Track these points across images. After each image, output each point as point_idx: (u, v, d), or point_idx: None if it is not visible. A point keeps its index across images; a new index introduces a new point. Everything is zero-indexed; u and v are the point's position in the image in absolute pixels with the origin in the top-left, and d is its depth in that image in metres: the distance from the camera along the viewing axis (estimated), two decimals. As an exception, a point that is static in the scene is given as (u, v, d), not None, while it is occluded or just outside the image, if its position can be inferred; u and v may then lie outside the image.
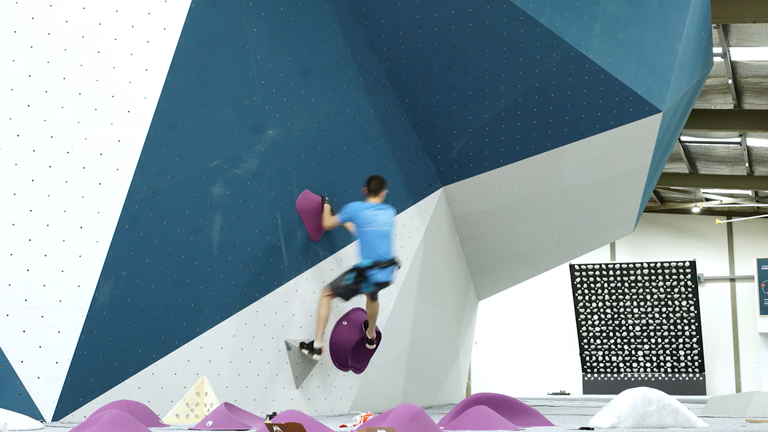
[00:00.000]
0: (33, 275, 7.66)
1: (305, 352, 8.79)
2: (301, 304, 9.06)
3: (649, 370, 23.98)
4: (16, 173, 7.79)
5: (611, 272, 24.68)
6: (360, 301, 9.71)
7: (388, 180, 9.07)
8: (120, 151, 7.97)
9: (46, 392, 7.47)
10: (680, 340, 24.47)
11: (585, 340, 24.45)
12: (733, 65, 15.61)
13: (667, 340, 24.41)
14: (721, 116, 18.09)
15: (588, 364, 24.54)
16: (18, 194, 7.76)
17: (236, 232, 8.54)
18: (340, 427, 7.04)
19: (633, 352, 24.35)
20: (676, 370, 24.32)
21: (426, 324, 11.60)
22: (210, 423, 6.51)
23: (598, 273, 25.03)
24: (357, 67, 9.72)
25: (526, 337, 26.38)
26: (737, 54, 15.12)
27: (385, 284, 8.79)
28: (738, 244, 26.91)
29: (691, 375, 24.26)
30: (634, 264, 24.92)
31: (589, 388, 24.43)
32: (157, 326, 7.98)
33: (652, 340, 24.37)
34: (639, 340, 24.41)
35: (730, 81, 16.25)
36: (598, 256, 25.97)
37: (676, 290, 24.70)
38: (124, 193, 7.88)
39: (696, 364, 24.38)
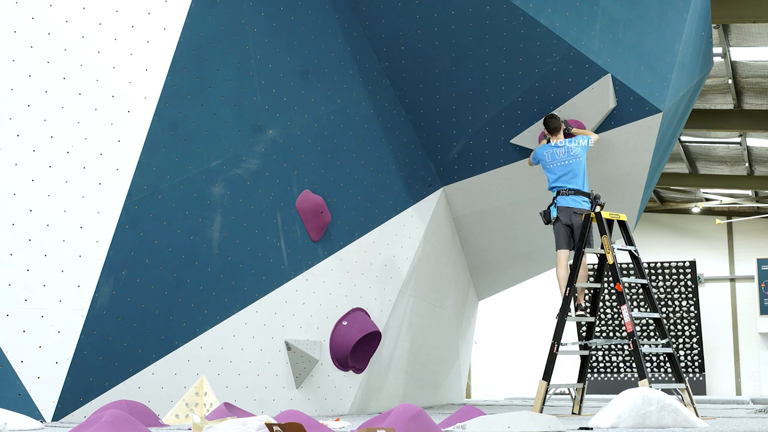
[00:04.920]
0: (33, 275, 7.66)
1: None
2: (301, 304, 9.06)
3: (649, 370, 23.96)
4: (16, 173, 7.79)
5: (611, 272, 24.64)
6: (359, 300, 9.72)
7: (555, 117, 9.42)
8: (120, 151, 7.97)
9: (46, 392, 7.47)
10: (680, 340, 24.46)
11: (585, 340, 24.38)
12: (733, 65, 15.61)
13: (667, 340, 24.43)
14: (721, 116, 18.08)
15: (588, 364, 24.54)
16: (18, 194, 7.76)
17: (236, 232, 8.54)
18: (335, 420, 7.07)
19: (646, 351, 24.28)
20: (676, 370, 24.33)
21: (426, 324, 11.60)
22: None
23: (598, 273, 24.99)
24: (357, 67, 9.72)
25: (526, 337, 26.36)
26: (737, 54, 15.11)
27: (575, 212, 8.99)
28: (738, 244, 26.89)
29: (691, 375, 24.25)
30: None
31: (589, 388, 24.39)
32: (157, 326, 7.98)
33: (652, 340, 24.36)
34: (639, 340, 24.36)
35: (730, 81, 16.24)
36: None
37: (676, 290, 24.69)
38: (124, 193, 7.88)
39: (696, 364, 24.38)
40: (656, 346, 8.85)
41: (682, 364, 24.31)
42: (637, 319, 9.04)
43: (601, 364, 24.60)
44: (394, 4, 9.48)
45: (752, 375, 26.15)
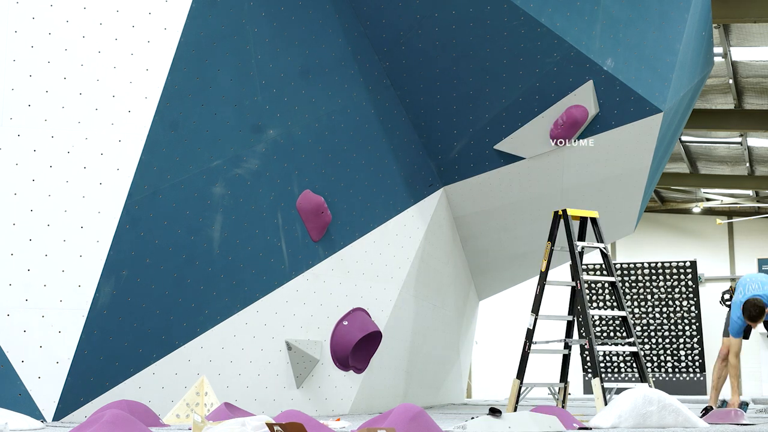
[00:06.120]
0: (34, 275, 7.66)
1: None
2: (301, 304, 9.06)
3: (649, 369, 23.98)
4: (16, 173, 7.79)
5: (598, 272, 24.64)
6: (360, 300, 9.72)
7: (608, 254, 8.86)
8: (121, 151, 7.97)
9: (46, 392, 7.47)
10: (681, 340, 24.44)
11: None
12: (734, 65, 15.60)
13: (667, 340, 24.40)
14: (722, 116, 18.07)
15: (588, 364, 24.54)
16: (19, 194, 7.76)
17: (237, 232, 8.54)
18: (336, 420, 7.07)
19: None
20: (676, 370, 24.31)
21: (427, 324, 11.60)
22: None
23: (598, 273, 25.02)
24: (358, 67, 9.72)
25: (526, 337, 26.33)
26: (738, 54, 15.11)
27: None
28: (739, 244, 26.88)
29: (691, 375, 24.24)
30: (634, 264, 24.90)
31: (589, 388, 24.41)
32: (158, 326, 7.98)
33: (653, 340, 24.37)
34: (639, 340, 24.40)
35: (730, 81, 16.23)
36: (599, 256, 25.93)
37: (676, 290, 24.68)
38: (124, 192, 7.88)
39: (697, 364, 24.36)
40: (657, 346, 8.80)
41: (683, 364, 24.31)
42: (638, 318, 8.97)
43: (602, 365, 24.61)
44: (395, 4, 9.47)
45: (753, 375, 26.14)
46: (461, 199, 11.26)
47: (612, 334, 24.56)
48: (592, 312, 8.51)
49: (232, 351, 8.49)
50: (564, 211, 8.78)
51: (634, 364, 23.72)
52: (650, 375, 9.08)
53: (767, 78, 16.23)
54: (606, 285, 24.65)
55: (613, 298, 24.30)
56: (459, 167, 10.71)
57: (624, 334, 8.93)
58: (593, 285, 24.91)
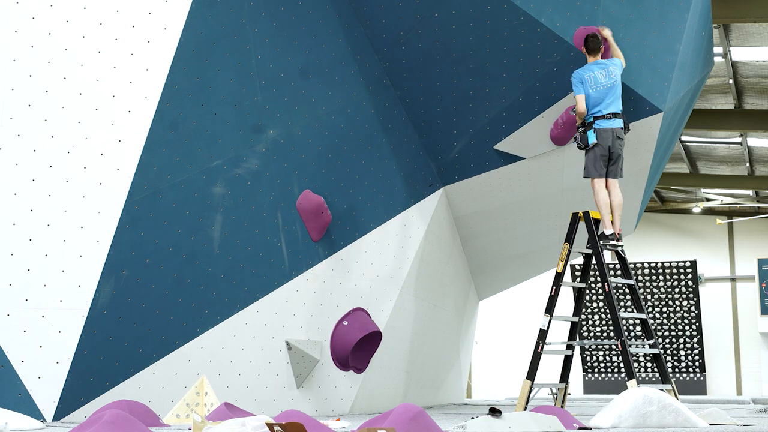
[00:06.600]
0: (34, 275, 7.66)
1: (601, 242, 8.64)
2: (301, 303, 9.06)
3: (649, 370, 23.95)
4: (16, 173, 7.80)
5: (612, 272, 24.63)
6: (360, 300, 9.72)
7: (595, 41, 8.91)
8: (121, 151, 7.97)
9: (46, 392, 7.47)
10: (681, 340, 24.44)
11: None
12: (734, 65, 15.59)
13: (667, 340, 24.40)
14: (722, 116, 18.05)
15: (588, 364, 24.52)
16: (19, 194, 7.77)
17: (237, 232, 8.54)
18: (336, 420, 7.07)
19: (633, 352, 24.28)
20: (676, 370, 24.31)
21: (427, 324, 11.60)
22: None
23: (598, 273, 24.98)
24: (358, 67, 9.72)
25: (526, 337, 26.32)
26: (738, 54, 15.09)
27: (618, 136, 8.64)
28: (739, 244, 26.86)
29: (691, 375, 24.23)
30: (634, 264, 24.88)
31: (589, 388, 24.38)
32: (158, 326, 7.98)
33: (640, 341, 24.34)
34: (640, 340, 24.38)
35: (730, 81, 16.22)
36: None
37: (676, 290, 24.67)
38: (124, 192, 7.89)
39: (697, 364, 24.35)
40: (657, 346, 8.77)
41: (683, 364, 24.31)
42: (624, 319, 8.90)
43: (602, 364, 24.59)
44: (394, 4, 9.48)
45: (753, 375, 26.13)
46: (461, 199, 11.26)
47: (612, 334, 24.52)
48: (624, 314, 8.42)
49: (232, 351, 8.49)
50: (586, 213, 8.73)
51: (649, 365, 23.73)
52: (671, 376, 9.01)
53: (767, 78, 16.22)
54: (623, 287, 24.59)
55: (628, 299, 24.28)
56: (459, 167, 10.71)
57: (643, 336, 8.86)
58: (593, 285, 24.89)
